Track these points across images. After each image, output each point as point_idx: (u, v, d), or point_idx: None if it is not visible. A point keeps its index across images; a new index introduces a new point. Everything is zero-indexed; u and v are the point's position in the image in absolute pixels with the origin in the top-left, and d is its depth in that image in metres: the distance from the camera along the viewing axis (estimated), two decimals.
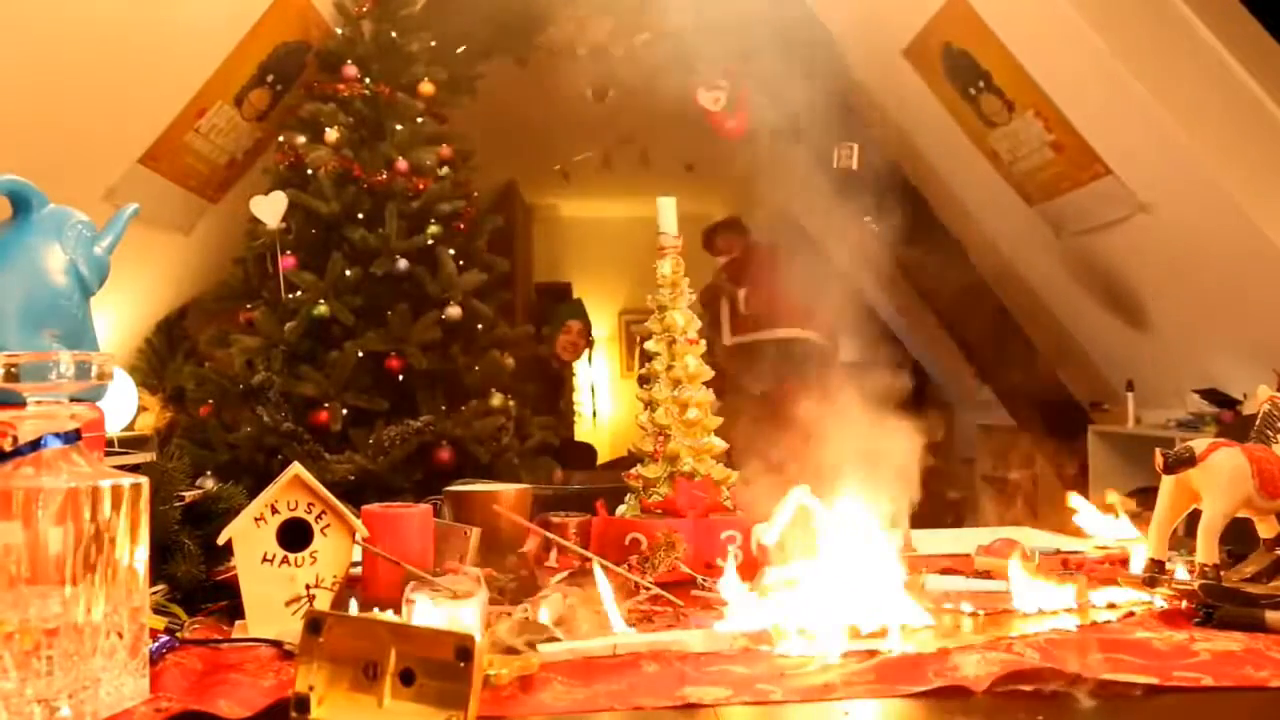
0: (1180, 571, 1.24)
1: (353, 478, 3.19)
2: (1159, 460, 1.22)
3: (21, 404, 0.84)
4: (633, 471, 1.54)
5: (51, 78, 2.99)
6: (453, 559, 1.26)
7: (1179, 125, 3.14)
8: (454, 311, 3.59)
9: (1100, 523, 1.63)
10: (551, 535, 1.34)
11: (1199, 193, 3.26)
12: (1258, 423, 1.29)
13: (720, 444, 1.53)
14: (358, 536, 1.14)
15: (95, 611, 0.81)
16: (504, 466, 3.52)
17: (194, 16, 3.35)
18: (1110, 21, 3.14)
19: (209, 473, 3.05)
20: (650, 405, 1.53)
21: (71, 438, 0.85)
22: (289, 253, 3.56)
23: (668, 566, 1.30)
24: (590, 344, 5.35)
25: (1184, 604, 1.16)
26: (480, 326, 3.74)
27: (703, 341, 1.57)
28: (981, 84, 3.80)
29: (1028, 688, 0.90)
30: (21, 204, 1.12)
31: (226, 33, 3.61)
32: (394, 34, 3.83)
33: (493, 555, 1.34)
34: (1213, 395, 3.83)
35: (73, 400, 0.86)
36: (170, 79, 3.53)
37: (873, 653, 0.99)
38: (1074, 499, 1.65)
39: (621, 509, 1.53)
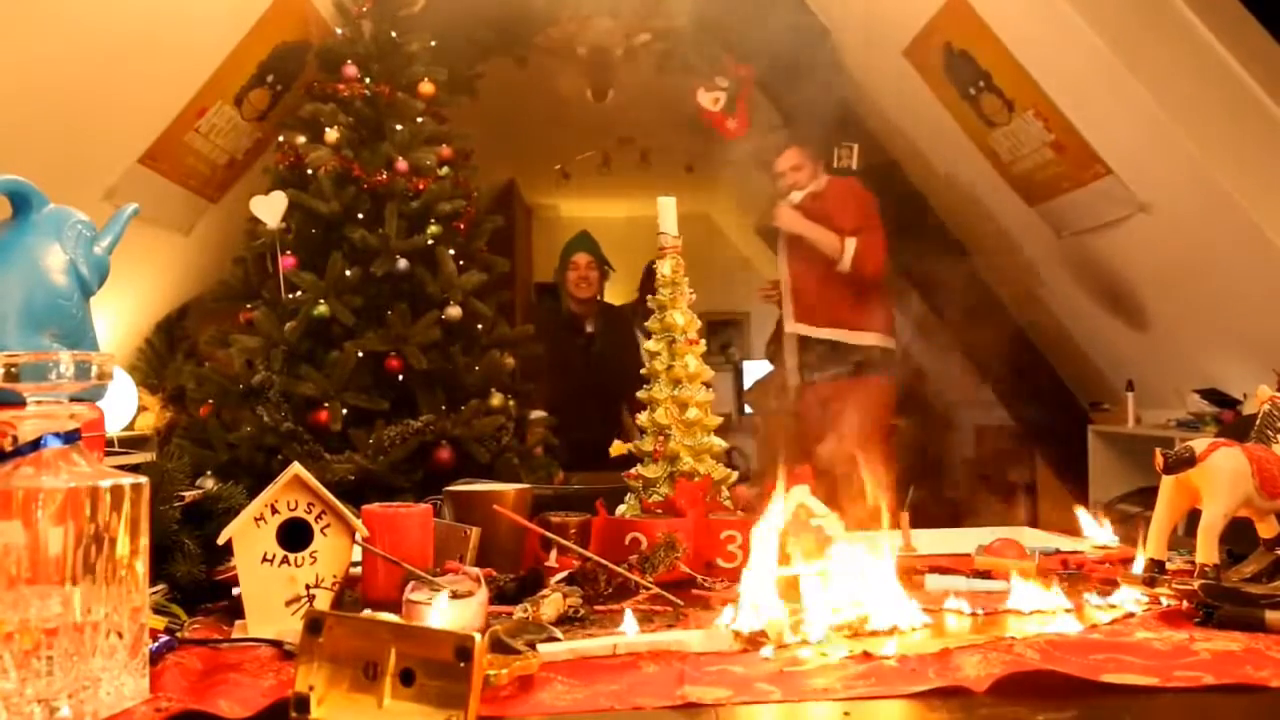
0: None
1: (353, 478, 3.18)
2: (1159, 460, 1.22)
3: (21, 404, 0.84)
4: (633, 471, 1.54)
5: (52, 77, 2.99)
6: (453, 559, 1.26)
7: (1179, 125, 3.14)
8: (454, 311, 3.59)
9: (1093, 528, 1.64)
10: (551, 535, 1.34)
11: (1199, 193, 3.26)
12: (1258, 423, 1.29)
13: (720, 443, 1.53)
14: (358, 536, 1.14)
15: (95, 611, 0.81)
16: (504, 466, 3.51)
17: (194, 16, 3.35)
18: (1110, 21, 3.14)
19: (209, 473, 3.03)
20: (650, 405, 1.53)
21: (71, 438, 0.85)
22: (289, 253, 3.56)
23: (668, 566, 1.30)
24: (605, 275, 4.88)
25: (1184, 604, 1.16)
26: (480, 326, 3.74)
27: (703, 341, 1.56)
28: (981, 84, 3.80)
29: (1028, 688, 0.89)
30: (21, 204, 1.12)
31: (226, 33, 3.61)
32: (394, 34, 3.83)
33: (493, 555, 1.34)
34: (1213, 395, 3.83)
35: (73, 400, 0.85)
36: (170, 79, 3.53)
37: (872, 653, 0.99)
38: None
39: (621, 509, 1.53)
